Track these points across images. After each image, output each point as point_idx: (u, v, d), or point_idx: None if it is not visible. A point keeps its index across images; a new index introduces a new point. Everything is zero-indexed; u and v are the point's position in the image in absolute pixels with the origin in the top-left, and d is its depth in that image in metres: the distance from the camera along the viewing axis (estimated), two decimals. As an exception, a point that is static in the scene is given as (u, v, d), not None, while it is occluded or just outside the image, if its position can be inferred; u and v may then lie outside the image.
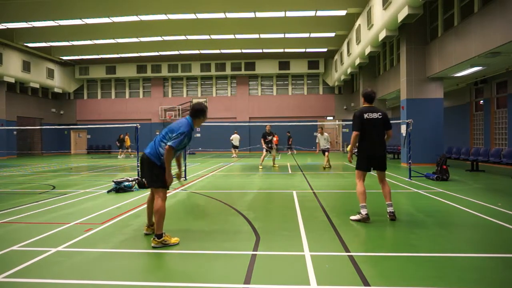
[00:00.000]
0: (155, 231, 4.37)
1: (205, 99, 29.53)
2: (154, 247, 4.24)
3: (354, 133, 5.47)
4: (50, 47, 25.41)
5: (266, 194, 8.28)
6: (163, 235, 4.31)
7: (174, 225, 5.35)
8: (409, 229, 5.03)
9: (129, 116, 31.00)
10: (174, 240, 4.41)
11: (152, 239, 4.35)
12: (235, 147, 23.43)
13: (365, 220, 5.35)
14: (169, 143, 4.31)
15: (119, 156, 24.67)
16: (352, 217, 5.52)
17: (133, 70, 30.01)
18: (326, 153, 14.18)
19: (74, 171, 14.67)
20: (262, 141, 14.81)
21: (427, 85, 14.71)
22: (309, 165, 16.48)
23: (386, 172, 5.74)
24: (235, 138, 23.50)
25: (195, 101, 30.02)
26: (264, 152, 14.90)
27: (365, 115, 5.44)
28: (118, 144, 24.51)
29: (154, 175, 4.44)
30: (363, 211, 5.38)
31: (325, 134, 14.31)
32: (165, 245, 4.29)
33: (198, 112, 4.64)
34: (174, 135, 4.37)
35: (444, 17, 13.47)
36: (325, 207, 6.53)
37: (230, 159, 21.10)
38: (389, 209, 5.48)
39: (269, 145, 14.73)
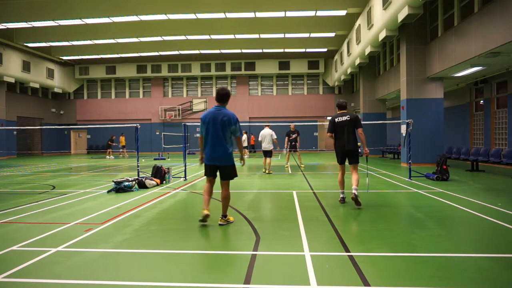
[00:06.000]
0: (222, 212, 5.32)
1: (205, 99, 29.53)
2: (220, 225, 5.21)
3: (328, 134, 6.89)
4: (50, 47, 25.43)
5: (266, 194, 8.28)
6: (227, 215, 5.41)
7: (174, 225, 5.36)
8: (409, 229, 5.03)
9: (129, 116, 31.01)
10: (232, 218, 5.46)
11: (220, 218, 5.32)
12: (245, 147, 22.76)
13: (340, 201, 6.81)
14: (238, 134, 5.22)
15: (107, 157, 24.27)
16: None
17: (133, 70, 30.02)
18: (268, 158, 11.69)
19: (74, 171, 14.66)
20: (286, 140, 14.48)
21: (427, 85, 14.71)
22: (309, 165, 16.46)
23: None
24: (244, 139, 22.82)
25: (195, 101, 30.05)
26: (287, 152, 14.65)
27: (336, 119, 6.71)
28: (114, 144, 24.55)
29: (232, 172, 5.30)
30: (340, 195, 6.85)
31: (268, 130, 11.26)
32: (229, 223, 5.31)
33: (227, 95, 5.33)
34: (236, 126, 5.18)
35: (444, 17, 13.47)
36: (325, 207, 6.53)
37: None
38: (354, 192, 6.43)
39: (293, 143, 14.40)
